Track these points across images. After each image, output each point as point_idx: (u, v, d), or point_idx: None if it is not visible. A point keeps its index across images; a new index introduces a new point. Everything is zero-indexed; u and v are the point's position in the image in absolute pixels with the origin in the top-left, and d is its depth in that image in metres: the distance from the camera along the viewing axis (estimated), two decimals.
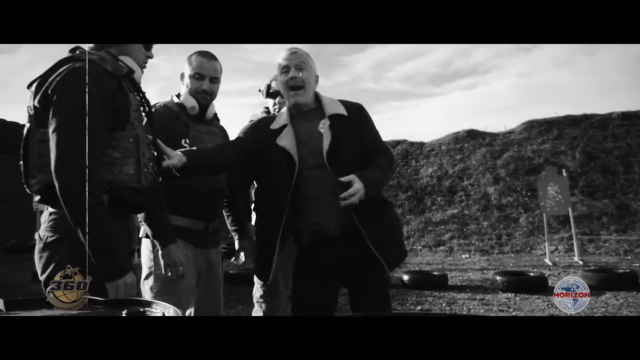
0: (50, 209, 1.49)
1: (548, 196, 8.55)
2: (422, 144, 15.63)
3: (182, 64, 2.19)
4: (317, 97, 2.01)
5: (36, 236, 1.52)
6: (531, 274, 6.37)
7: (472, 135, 15.02)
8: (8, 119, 16.96)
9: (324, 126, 1.88)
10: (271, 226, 1.89)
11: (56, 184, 1.36)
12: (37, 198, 1.49)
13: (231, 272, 6.59)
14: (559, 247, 9.75)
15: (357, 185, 1.69)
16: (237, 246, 2.49)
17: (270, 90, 2.71)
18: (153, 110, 1.79)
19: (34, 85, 1.48)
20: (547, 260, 8.44)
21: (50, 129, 1.39)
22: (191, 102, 2.10)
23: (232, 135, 2.23)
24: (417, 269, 7.96)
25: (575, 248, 8.65)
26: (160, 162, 1.69)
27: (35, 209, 10.70)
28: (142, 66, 1.71)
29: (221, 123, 2.36)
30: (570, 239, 9.20)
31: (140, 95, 1.63)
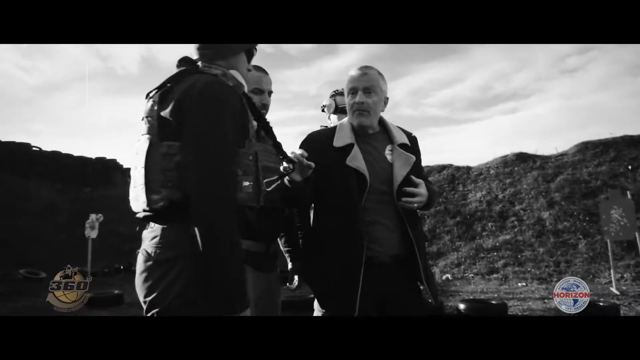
0: (162, 224, 1.38)
1: (612, 220, 8.00)
2: (468, 168, 15.21)
3: None
4: (381, 121, 1.98)
5: (141, 252, 1.41)
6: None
7: (522, 158, 14.50)
8: (63, 151, 17.79)
9: (391, 154, 1.89)
10: (349, 255, 1.78)
11: (193, 203, 1.27)
12: (143, 215, 1.39)
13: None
14: (625, 275, 9.07)
15: (422, 191, 1.78)
16: (290, 268, 2.35)
17: (339, 106, 2.62)
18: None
19: (156, 94, 1.42)
20: (613, 289, 7.84)
21: (188, 144, 1.32)
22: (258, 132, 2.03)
23: None
24: (471, 297, 7.57)
25: None
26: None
27: (87, 235, 11.02)
28: (245, 80, 1.68)
29: None
30: (638, 265, 8.55)
31: (256, 111, 1.58)
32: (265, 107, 2.10)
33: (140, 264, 1.39)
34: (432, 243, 12.34)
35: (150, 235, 1.39)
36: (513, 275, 10.05)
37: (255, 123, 1.57)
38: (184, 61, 1.53)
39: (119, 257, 13.39)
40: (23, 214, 14.00)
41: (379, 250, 1.81)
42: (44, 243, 12.94)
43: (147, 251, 1.37)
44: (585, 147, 13.93)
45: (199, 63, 1.52)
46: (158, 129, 1.37)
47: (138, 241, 1.46)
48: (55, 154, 17.37)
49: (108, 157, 18.93)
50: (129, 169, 1.47)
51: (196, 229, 1.26)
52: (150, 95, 1.45)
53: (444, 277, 10.49)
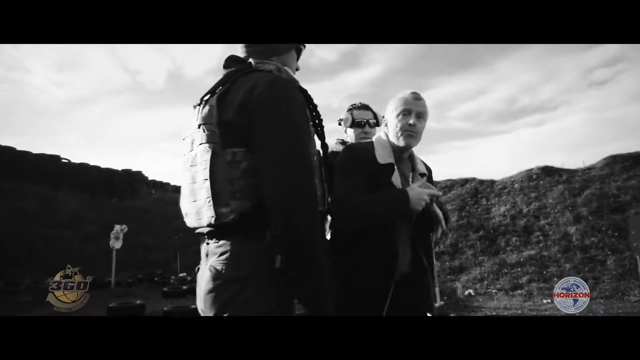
0: (232, 238, 1.28)
1: None
2: (492, 181, 15.00)
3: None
4: None
5: (208, 269, 1.29)
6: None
7: (547, 172, 14.23)
8: (91, 163, 18.25)
9: (413, 181, 1.98)
10: (381, 272, 1.84)
11: (275, 212, 1.17)
12: (206, 230, 1.31)
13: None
14: None
15: (439, 211, 1.88)
16: None
17: (355, 120, 2.64)
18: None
19: (213, 99, 1.31)
20: None
21: (264, 145, 1.21)
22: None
23: None
24: (494, 314, 7.42)
25: None
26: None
27: (112, 246, 11.24)
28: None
29: None
30: None
31: (312, 106, 1.45)
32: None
33: (207, 282, 1.27)
34: (454, 258, 12.17)
35: (219, 251, 1.28)
36: (538, 292, 9.81)
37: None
38: (233, 60, 1.45)
39: (143, 268, 13.60)
40: (52, 223, 14.37)
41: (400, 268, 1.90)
42: (71, 252, 13.25)
43: (216, 268, 1.25)
44: (614, 161, 13.59)
45: (251, 60, 1.42)
46: (220, 136, 1.25)
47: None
48: (84, 166, 17.83)
49: (134, 169, 19.34)
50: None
51: (279, 235, 1.17)
52: (206, 99, 1.35)
53: (466, 293, 10.31)
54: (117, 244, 11.36)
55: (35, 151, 17.21)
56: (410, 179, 2.00)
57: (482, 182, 15.10)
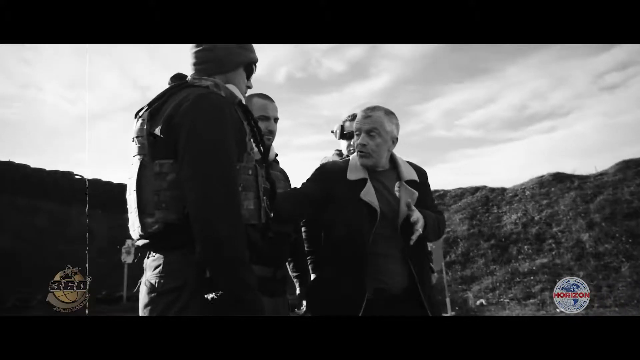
0: (163, 252, 1.30)
1: None
2: (503, 189, 14.85)
3: None
4: (392, 158, 2.03)
5: (144, 283, 1.32)
6: None
7: (559, 178, 14.05)
8: (103, 179, 18.49)
9: (399, 190, 1.94)
10: (352, 283, 1.84)
11: (197, 223, 1.18)
12: (142, 242, 1.33)
13: None
14: None
15: (417, 213, 1.81)
16: (297, 294, 2.36)
17: (345, 132, 2.63)
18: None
19: (146, 112, 1.35)
20: None
21: (186, 159, 1.23)
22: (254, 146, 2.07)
23: (298, 181, 2.19)
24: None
25: None
26: (274, 195, 1.58)
27: (123, 260, 11.34)
28: (244, 97, 1.63)
29: (294, 176, 2.31)
30: None
31: (252, 123, 1.50)
32: (272, 133, 2.14)
33: (143, 296, 1.30)
34: (466, 267, 12.03)
35: (153, 265, 1.30)
36: (551, 301, 9.64)
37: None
38: (176, 77, 1.49)
39: None
40: (65, 239, 14.54)
41: (389, 283, 1.87)
42: (84, 268, 13.34)
43: (150, 282, 1.28)
44: (627, 166, 13.38)
45: (189, 77, 1.47)
46: (149, 148, 1.30)
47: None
48: (96, 182, 18.04)
49: None
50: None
51: (200, 247, 1.17)
52: (140, 114, 1.38)
53: (477, 303, 10.17)
54: (128, 259, 11.45)
55: (48, 168, 17.47)
56: (397, 189, 1.96)
57: (492, 190, 14.95)
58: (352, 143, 2.61)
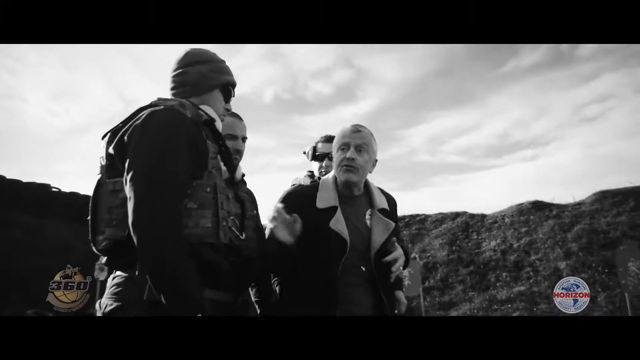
0: (117, 272, 1.30)
1: (629, 273, 7.73)
2: (483, 216, 14.97)
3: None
4: (365, 183, 1.96)
5: (97, 305, 1.31)
6: None
7: (538, 207, 14.23)
8: (81, 192, 18.20)
9: (370, 219, 1.87)
10: (320, 309, 1.76)
11: (135, 240, 1.17)
12: (103, 259, 1.34)
13: None
14: None
15: (400, 251, 1.79)
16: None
17: (317, 153, 2.59)
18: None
19: (109, 134, 1.38)
20: None
21: (128, 177, 1.22)
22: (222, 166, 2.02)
23: (265, 200, 2.13)
24: None
25: None
26: (245, 218, 1.57)
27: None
28: (221, 118, 1.63)
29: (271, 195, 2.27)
30: None
31: (220, 143, 1.52)
32: (239, 152, 2.09)
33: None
34: (444, 293, 12.00)
35: (110, 284, 1.31)
36: None
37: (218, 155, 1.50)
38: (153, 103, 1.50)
39: None
40: (39, 253, 14.18)
41: (356, 312, 1.80)
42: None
43: (100, 303, 1.29)
44: (604, 196, 13.62)
45: (156, 98, 1.48)
46: (106, 167, 1.33)
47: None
48: (74, 195, 17.74)
49: None
50: None
51: (138, 263, 1.16)
52: (105, 136, 1.41)
53: None
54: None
55: (25, 179, 17.14)
56: (368, 217, 1.88)
57: (472, 216, 15.06)
58: (324, 164, 2.58)
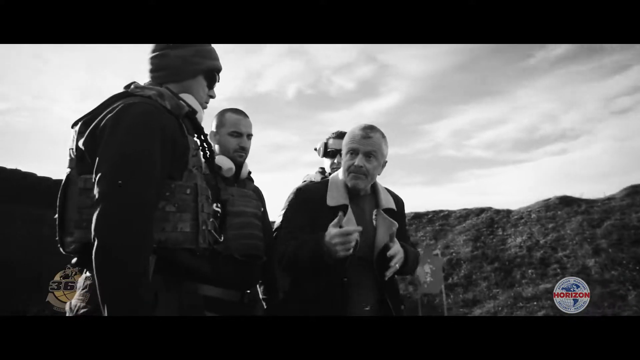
0: (87, 274, 1.23)
1: None
2: (509, 211, 14.68)
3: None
4: (373, 183, 1.94)
5: (67, 306, 1.26)
6: None
7: (566, 202, 13.87)
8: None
9: (375, 219, 1.86)
10: (329, 307, 1.74)
11: (94, 243, 1.08)
12: (74, 260, 1.25)
13: None
14: None
15: (397, 247, 1.74)
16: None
17: (328, 149, 2.57)
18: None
19: (79, 124, 1.26)
20: None
21: (97, 175, 1.13)
22: (228, 164, 1.98)
23: (273, 199, 2.10)
24: None
25: None
26: (225, 220, 1.48)
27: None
28: (204, 106, 1.52)
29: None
30: None
31: (202, 137, 1.42)
32: (244, 150, 2.07)
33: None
34: (468, 290, 11.83)
35: (79, 285, 1.25)
36: None
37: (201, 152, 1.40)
38: (127, 86, 1.38)
39: None
40: (10, 240, 14.29)
41: (357, 312, 1.78)
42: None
43: (71, 304, 1.24)
44: (635, 191, 13.19)
45: (132, 85, 1.35)
46: (76, 161, 1.23)
47: None
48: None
49: None
50: None
51: (96, 268, 1.06)
52: (74, 125, 1.29)
53: None
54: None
55: (55, 177, 17.51)
56: (374, 217, 1.87)
57: (498, 211, 14.79)
58: (335, 161, 2.55)
